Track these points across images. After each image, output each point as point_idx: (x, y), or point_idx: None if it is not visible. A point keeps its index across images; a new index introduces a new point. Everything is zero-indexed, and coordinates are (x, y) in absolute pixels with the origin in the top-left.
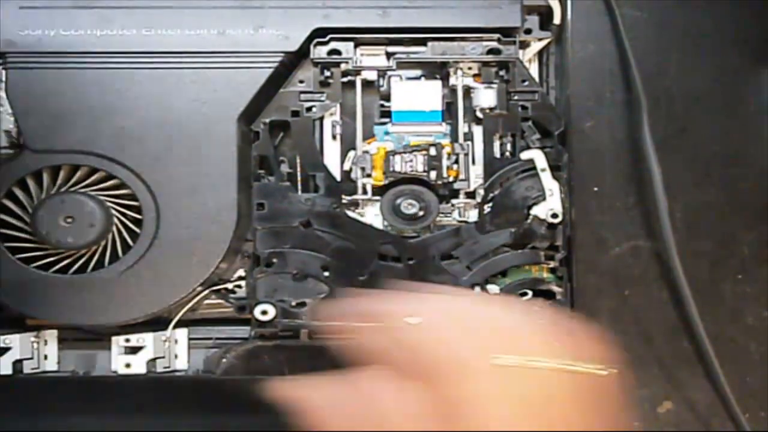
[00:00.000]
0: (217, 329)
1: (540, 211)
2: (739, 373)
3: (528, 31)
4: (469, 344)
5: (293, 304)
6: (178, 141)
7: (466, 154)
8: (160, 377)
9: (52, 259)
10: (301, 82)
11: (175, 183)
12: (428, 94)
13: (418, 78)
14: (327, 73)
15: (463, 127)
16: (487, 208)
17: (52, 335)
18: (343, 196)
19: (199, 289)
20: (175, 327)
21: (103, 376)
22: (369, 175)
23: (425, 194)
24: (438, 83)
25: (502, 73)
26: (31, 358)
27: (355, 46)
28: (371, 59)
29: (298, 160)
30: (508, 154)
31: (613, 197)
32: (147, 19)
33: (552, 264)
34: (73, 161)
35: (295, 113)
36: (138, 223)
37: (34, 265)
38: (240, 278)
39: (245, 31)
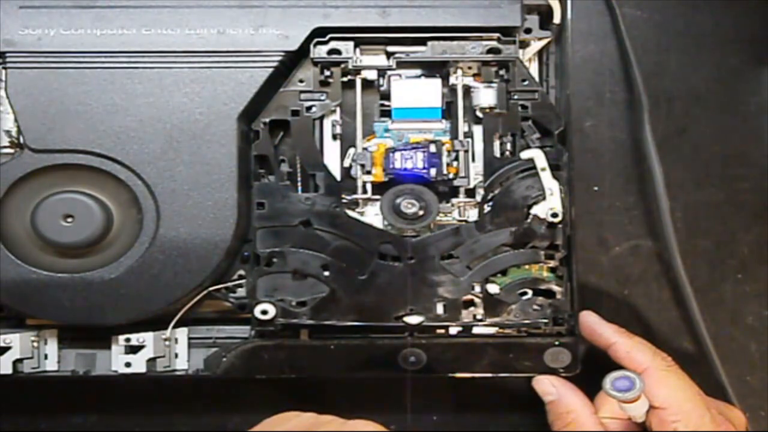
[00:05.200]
0: (217, 329)
1: (540, 210)
2: (739, 373)
3: (528, 31)
4: None
5: (293, 303)
6: (178, 140)
7: (466, 151)
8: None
9: (52, 259)
10: (301, 81)
11: (175, 182)
12: (428, 92)
13: (418, 77)
14: (327, 73)
15: (463, 127)
16: (487, 208)
17: (52, 335)
18: (343, 196)
19: (199, 289)
20: (175, 326)
21: (104, 375)
22: (369, 173)
23: (425, 193)
24: (438, 80)
25: (502, 72)
26: (31, 358)
27: (355, 46)
28: (371, 59)
29: (298, 160)
30: (508, 153)
31: (614, 197)
32: (147, 19)
33: (552, 263)
34: (73, 161)
35: (295, 113)
36: (138, 222)
37: (34, 265)
38: (240, 278)
39: (245, 31)
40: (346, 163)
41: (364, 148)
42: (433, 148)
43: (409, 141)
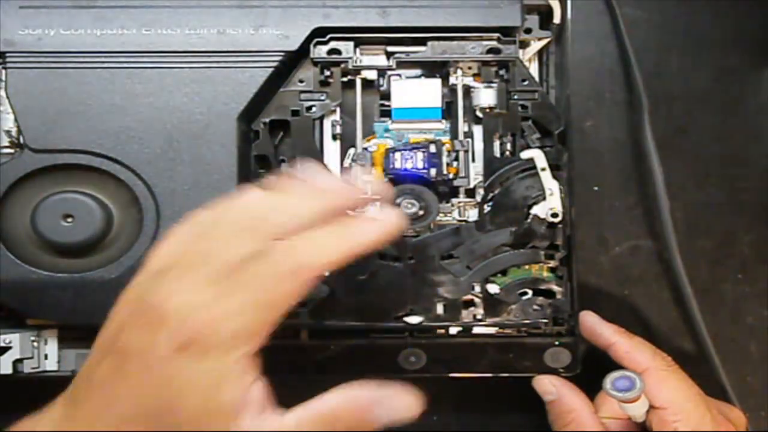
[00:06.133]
0: None
1: (540, 210)
2: (739, 373)
3: (528, 31)
4: None
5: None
6: (178, 140)
7: (466, 151)
8: None
9: (52, 259)
10: (301, 81)
11: (175, 182)
12: (428, 92)
13: (418, 77)
14: (327, 73)
15: (463, 127)
16: (487, 208)
17: (52, 335)
18: None
19: None
20: None
21: None
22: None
23: (425, 194)
24: (438, 81)
25: (502, 72)
26: (31, 358)
27: (355, 46)
28: (371, 59)
29: (298, 160)
30: (508, 153)
31: (614, 197)
32: (147, 19)
33: (552, 263)
34: (73, 161)
35: (295, 113)
36: (138, 222)
37: (34, 265)
38: None
39: (245, 31)
40: (346, 163)
41: (364, 148)
42: (433, 148)
43: (409, 141)
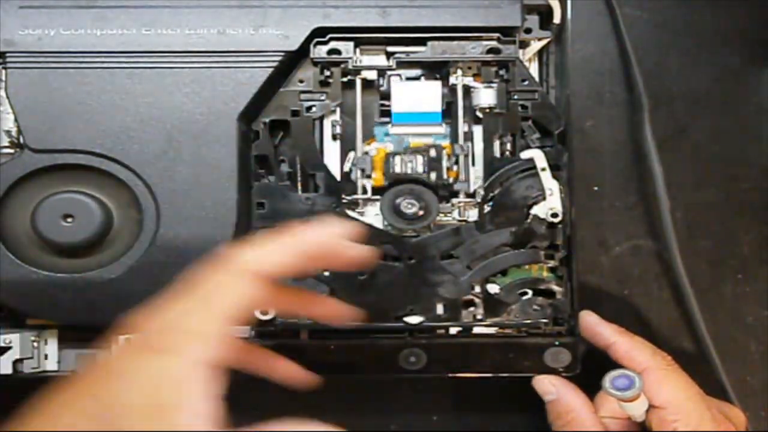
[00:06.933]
0: None
1: (540, 210)
2: (739, 373)
3: (528, 31)
4: None
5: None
6: (178, 141)
7: (466, 156)
8: None
9: (52, 259)
10: (301, 81)
11: (175, 183)
12: (428, 95)
13: (417, 78)
14: (327, 73)
15: (462, 127)
16: (487, 208)
17: (52, 335)
18: (343, 196)
19: None
20: None
21: None
22: (369, 177)
23: (425, 194)
24: (438, 84)
25: (502, 72)
26: (31, 358)
27: (355, 46)
28: (371, 59)
29: (298, 160)
30: (508, 153)
31: (614, 197)
32: (147, 19)
33: (552, 263)
34: (73, 161)
35: (295, 113)
36: (138, 222)
37: (34, 265)
38: None
39: (245, 31)
40: (346, 168)
41: (365, 152)
42: (433, 153)
43: (409, 145)
